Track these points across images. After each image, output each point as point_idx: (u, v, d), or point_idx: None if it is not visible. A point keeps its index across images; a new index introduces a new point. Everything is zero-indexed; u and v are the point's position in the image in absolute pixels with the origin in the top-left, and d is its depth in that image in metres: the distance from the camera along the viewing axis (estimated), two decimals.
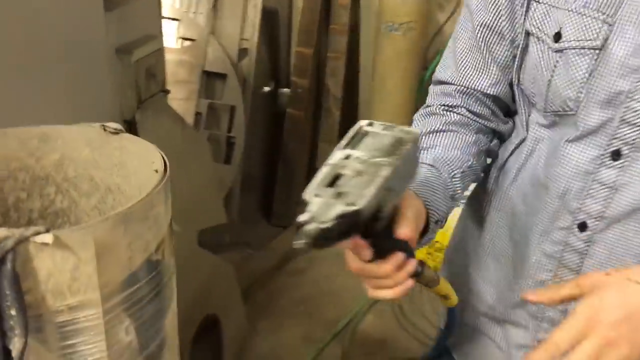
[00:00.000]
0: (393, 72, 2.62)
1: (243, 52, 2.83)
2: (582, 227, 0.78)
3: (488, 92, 0.88)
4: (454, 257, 1.02)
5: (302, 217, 0.58)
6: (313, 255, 2.72)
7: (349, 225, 0.59)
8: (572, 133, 0.77)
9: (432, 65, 2.77)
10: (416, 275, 0.73)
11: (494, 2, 0.83)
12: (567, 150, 0.78)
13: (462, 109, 0.89)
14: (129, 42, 1.57)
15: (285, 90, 3.03)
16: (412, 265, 0.70)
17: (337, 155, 0.64)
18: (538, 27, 0.78)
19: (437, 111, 0.91)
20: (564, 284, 0.72)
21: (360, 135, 0.67)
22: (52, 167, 0.80)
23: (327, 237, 0.58)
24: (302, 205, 0.60)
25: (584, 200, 0.78)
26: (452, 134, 0.88)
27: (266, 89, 3.09)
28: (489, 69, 0.86)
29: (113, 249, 0.60)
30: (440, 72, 0.92)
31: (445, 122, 0.89)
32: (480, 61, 0.87)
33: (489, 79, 0.87)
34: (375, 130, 0.67)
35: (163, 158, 0.73)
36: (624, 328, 0.61)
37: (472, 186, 0.95)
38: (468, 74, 0.88)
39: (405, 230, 0.68)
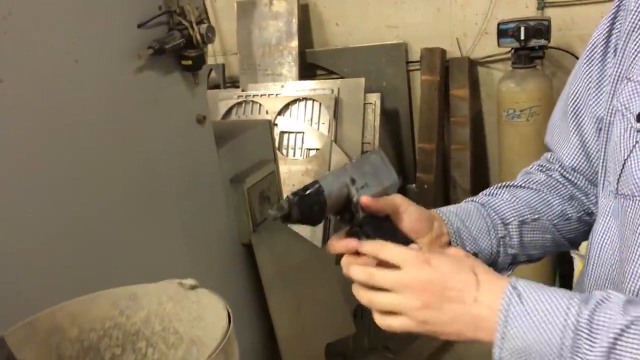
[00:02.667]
0: (520, 158, 2.50)
1: None
2: None
3: (565, 162, 0.87)
4: None
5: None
6: (460, 357, 2.57)
7: (315, 199, 0.73)
8: None
9: None
10: None
11: (587, 71, 0.82)
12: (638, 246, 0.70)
13: (556, 172, 0.89)
14: (242, 171, 1.68)
15: (412, 186, 3.01)
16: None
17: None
18: (625, 105, 0.74)
19: (530, 170, 0.93)
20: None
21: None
22: (141, 323, 0.85)
23: (299, 206, 0.72)
24: None
25: None
26: (529, 190, 0.88)
27: None
28: (570, 139, 0.86)
29: None
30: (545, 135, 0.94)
31: (529, 180, 0.90)
32: (564, 129, 0.86)
33: (567, 149, 0.86)
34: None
35: (228, 314, 0.75)
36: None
37: None
38: (555, 140, 0.89)
39: (367, 199, 0.75)
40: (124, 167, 1.32)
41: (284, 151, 2.96)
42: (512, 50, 2.52)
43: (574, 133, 0.85)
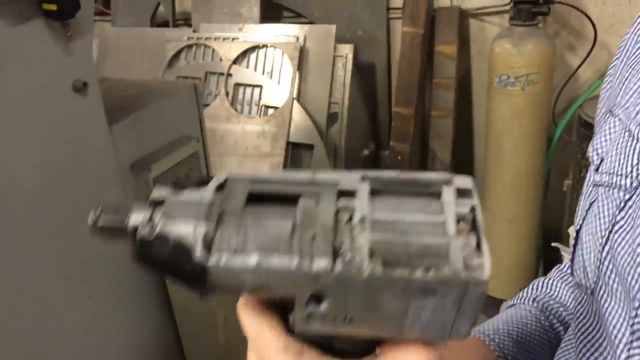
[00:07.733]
0: (511, 132, 2.11)
1: (333, 116, 2.48)
2: None
3: None
4: None
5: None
6: None
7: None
8: None
9: (564, 121, 2.22)
10: None
11: None
12: None
13: None
14: (149, 154, 1.28)
15: (386, 152, 2.63)
16: None
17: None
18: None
19: None
20: None
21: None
22: None
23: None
24: None
25: None
26: None
27: (365, 152, 2.72)
28: None
29: None
30: None
31: None
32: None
33: None
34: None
35: None
36: None
37: None
38: None
39: None
40: None
41: (239, 107, 2.54)
42: (512, 3, 2.09)
43: None
